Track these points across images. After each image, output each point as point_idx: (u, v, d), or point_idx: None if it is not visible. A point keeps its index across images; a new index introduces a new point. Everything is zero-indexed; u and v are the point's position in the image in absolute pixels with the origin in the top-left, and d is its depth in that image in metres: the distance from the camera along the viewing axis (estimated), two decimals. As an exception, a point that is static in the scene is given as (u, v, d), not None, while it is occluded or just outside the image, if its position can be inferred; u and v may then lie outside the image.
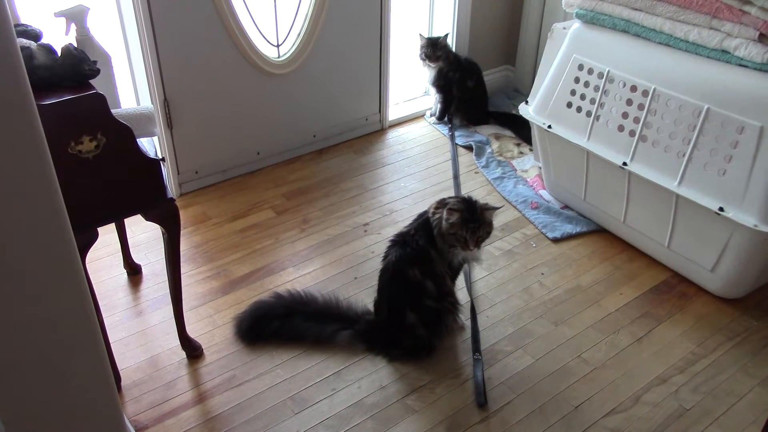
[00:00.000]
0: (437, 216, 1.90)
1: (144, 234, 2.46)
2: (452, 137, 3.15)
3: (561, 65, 2.43)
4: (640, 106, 2.18)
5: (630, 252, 2.42)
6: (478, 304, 2.18)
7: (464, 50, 3.36)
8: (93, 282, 1.70)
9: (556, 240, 2.48)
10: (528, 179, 2.84)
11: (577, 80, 2.37)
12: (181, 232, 1.81)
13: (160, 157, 1.72)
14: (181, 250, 1.84)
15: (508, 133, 3.20)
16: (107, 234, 2.27)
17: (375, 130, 3.23)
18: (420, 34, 3.15)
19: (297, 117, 2.92)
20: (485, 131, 3.21)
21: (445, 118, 3.28)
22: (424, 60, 3.13)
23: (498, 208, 1.91)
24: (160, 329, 2.06)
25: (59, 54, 1.50)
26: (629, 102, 2.22)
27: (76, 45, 1.64)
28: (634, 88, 2.20)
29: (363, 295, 2.19)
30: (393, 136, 3.21)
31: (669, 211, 2.17)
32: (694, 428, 1.78)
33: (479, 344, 2.01)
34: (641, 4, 2.16)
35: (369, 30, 2.96)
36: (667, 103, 2.11)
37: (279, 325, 2.01)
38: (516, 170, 2.91)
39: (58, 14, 1.71)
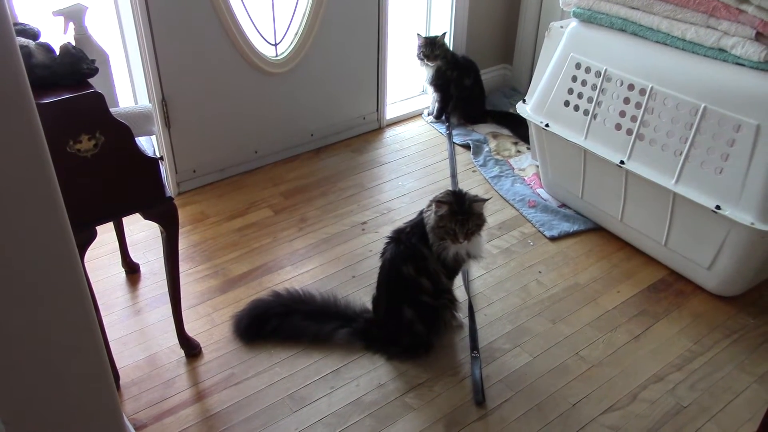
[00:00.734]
0: (428, 212, 1.91)
1: (142, 233, 2.46)
2: (450, 136, 3.16)
3: (558, 64, 2.43)
4: (638, 105, 2.19)
5: (627, 250, 2.43)
6: (475, 302, 2.18)
7: (462, 49, 3.36)
8: (91, 281, 1.70)
9: (553, 238, 2.49)
10: (525, 178, 2.85)
11: (574, 79, 2.37)
12: (180, 230, 1.81)
13: (159, 156, 1.72)
14: (179, 248, 1.84)
15: (506, 131, 3.20)
16: (105, 233, 2.27)
17: (373, 129, 3.23)
18: (418, 33, 3.15)
19: (295, 116, 2.92)
20: (483, 130, 3.22)
21: (443, 117, 3.28)
22: (421, 59, 3.14)
23: (487, 200, 1.89)
24: (158, 328, 2.06)
25: (57, 53, 1.50)
26: (626, 100, 2.22)
27: (74, 44, 1.63)
28: (631, 87, 2.20)
29: (361, 294, 2.19)
30: (391, 134, 3.21)
31: (666, 209, 2.17)
32: (691, 425, 1.79)
33: (477, 342, 2.02)
34: (638, 2, 2.17)
35: (367, 29, 2.96)
36: (664, 102, 2.12)
37: (277, 323, 2.01)
38: (513, 169, 2.91)
39: (56, 13, 1.71)
